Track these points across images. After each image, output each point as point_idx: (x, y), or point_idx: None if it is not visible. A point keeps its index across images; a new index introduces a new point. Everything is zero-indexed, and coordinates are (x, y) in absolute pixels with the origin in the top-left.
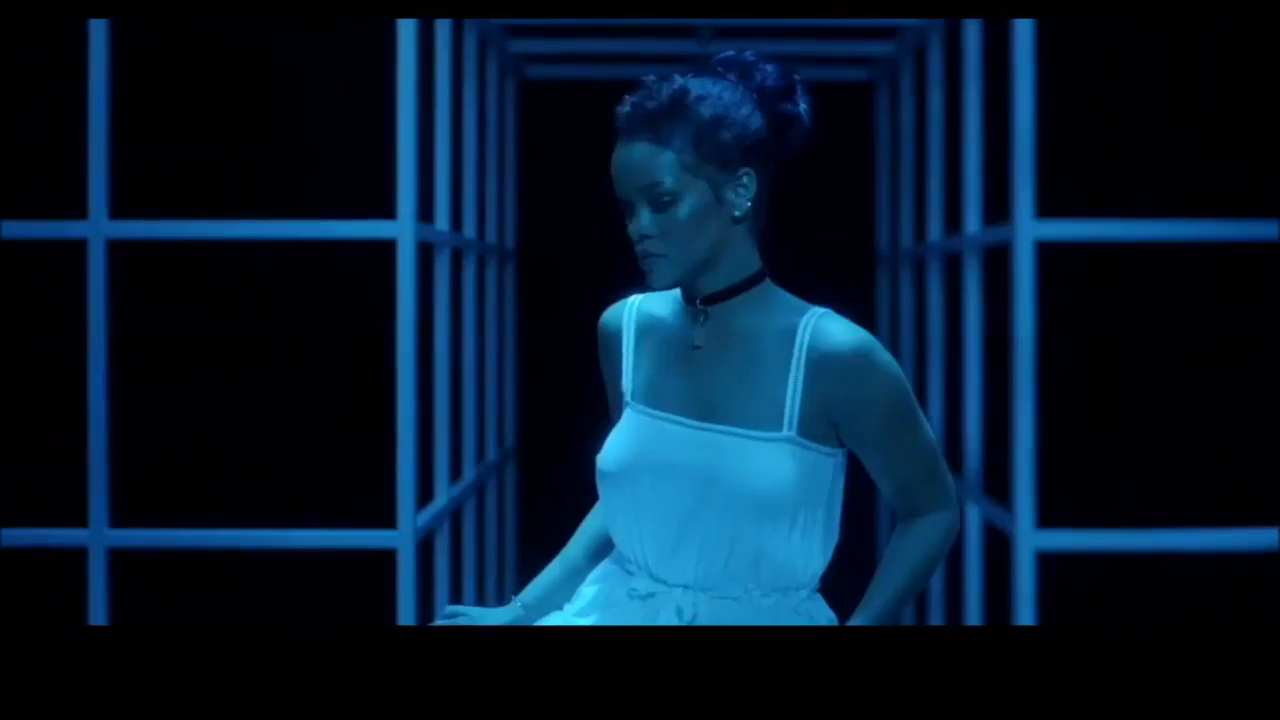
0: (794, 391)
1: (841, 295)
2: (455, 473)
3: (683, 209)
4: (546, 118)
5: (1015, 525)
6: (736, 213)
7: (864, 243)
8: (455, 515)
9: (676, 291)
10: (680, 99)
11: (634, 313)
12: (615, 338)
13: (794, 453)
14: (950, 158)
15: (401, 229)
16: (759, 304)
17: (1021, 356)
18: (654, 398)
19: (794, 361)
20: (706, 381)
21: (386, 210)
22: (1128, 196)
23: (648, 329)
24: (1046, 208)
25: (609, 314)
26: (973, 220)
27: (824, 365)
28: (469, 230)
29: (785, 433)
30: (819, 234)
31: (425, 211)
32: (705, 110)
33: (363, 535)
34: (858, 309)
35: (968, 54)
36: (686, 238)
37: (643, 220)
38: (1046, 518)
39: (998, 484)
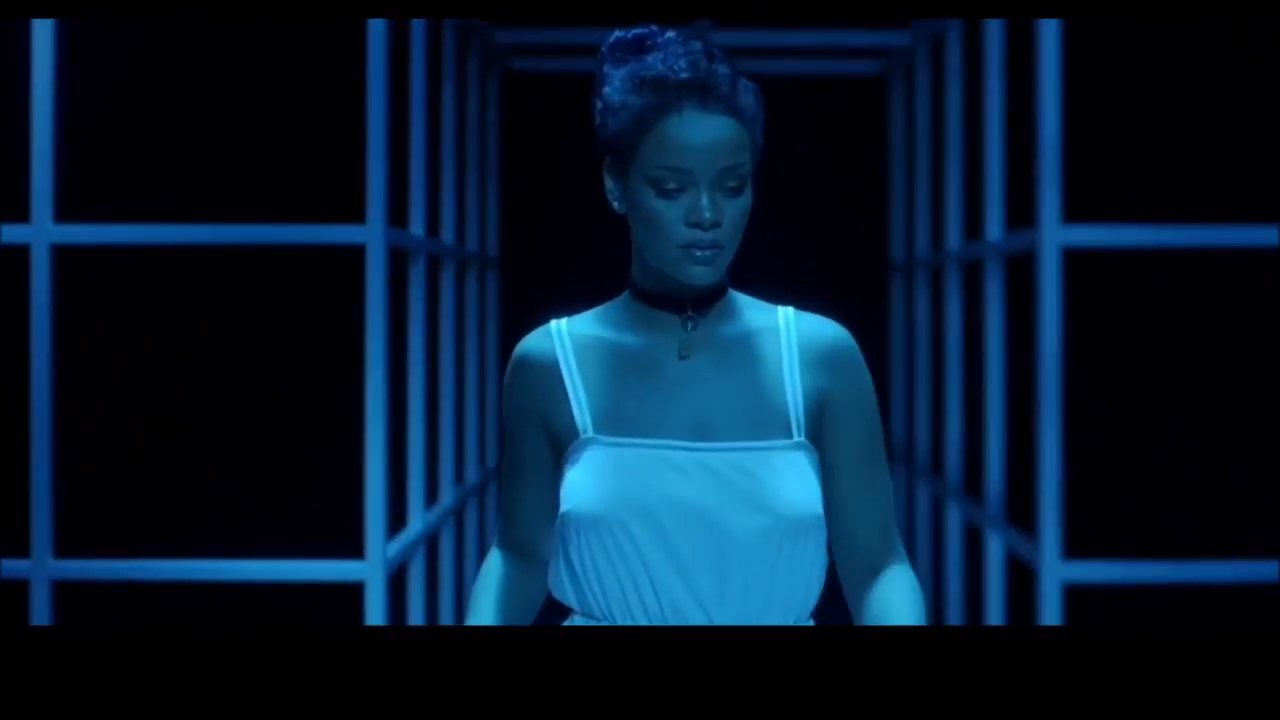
0: (794, 392)
1: (852, 306)
2: (431, 497)
3: (744, 199)
4: (532, 113)
5: (1040, 556)
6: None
7: (876, 249)
8: (431, 543)
9: (613, 306)
10: (735, 77)
11: (566, 337)
12: (548, 369)
13: (810, 459)
14: (970, 158)
15: (371, 233)
16: (731, 307)
17: (1046, 373)
18: (629, 426)
19: (786, 360)
20: (699, 397)
21: (356, 214)
22: (1159, 201)
23: (591, 353)
24: (1073, 212)
25: (531, 343)
26: (994, 225)
27: (818, 358)
28: (447, 235)
29: (797, 438)
30: (827, 240)
31: (398, 215)
32: (754, 89)
33: (327, 567)
34: (869, 321)
35: (989, 47)
36: (739, 231)
37: (714, 205)
38: (1074, 547)
39: (1021, 511)
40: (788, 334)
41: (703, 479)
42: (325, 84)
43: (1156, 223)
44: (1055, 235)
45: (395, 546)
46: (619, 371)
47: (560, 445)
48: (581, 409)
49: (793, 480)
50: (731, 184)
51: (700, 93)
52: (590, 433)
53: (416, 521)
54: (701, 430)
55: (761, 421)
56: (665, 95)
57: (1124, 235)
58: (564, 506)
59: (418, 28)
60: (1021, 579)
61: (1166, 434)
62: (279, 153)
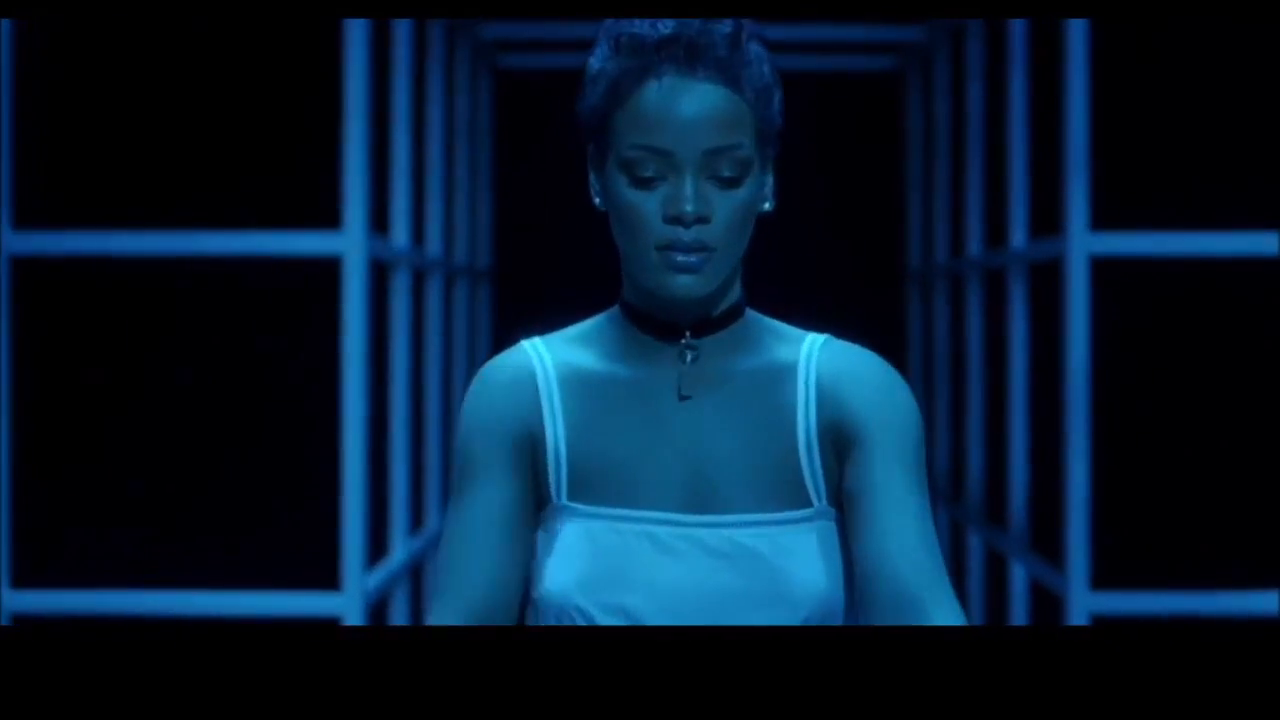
0: (809, 444)
1: (866, 318)
2: (416, 521)
3: (745, 190)
4: (527, 114)
5: (1067, 586)
6: (767, 205)
7: (892, 257)
8: (415, 573)
9: (600, 325)
10: (740, 37)
11: (549, 364)
12: (524, 404)
13: (832, 532)
14: (992, 159)
15: (349, 242)
16: (747, 336)
17: (1074, 390)
18: (612, 488)
19: (802, 404)
20: (699, 452)
21: (333, 221)
22: (1194, 206)
23: (575, 388)
24: (1102, 218)
25: (503, 368)
26: (1018, 232)
27: (835, 388)
28: (433, 246)
29: (819, 505)
30: (839, 247)
31: (379, 223)
32: (767, 57)
33: (300, 599)
34: (884, 334)
35: (1012, 41)
36: (741, 232)
37: (699, 196)
38: (1103, 576)
39: (1046, 538)
40: (807, 370)
41: (697, 561)
42: (302, 80)
43: (1191, 229)
44: (1083, 243)
45: (375, 577)
46: (606, 414)
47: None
48: (558, 463)
49: (813, 561)
50: (726, 172)
51: (686, 53)
52: (564, 498)
53: (399, 549)
54: (699, 496)
55: (773, 485)
56: (643, 57)
57: (1156, 243)
58: (533, 591)
59: (402, 21)
60: (1047, 609)
61: (1202, 455)
62: (251, 155)
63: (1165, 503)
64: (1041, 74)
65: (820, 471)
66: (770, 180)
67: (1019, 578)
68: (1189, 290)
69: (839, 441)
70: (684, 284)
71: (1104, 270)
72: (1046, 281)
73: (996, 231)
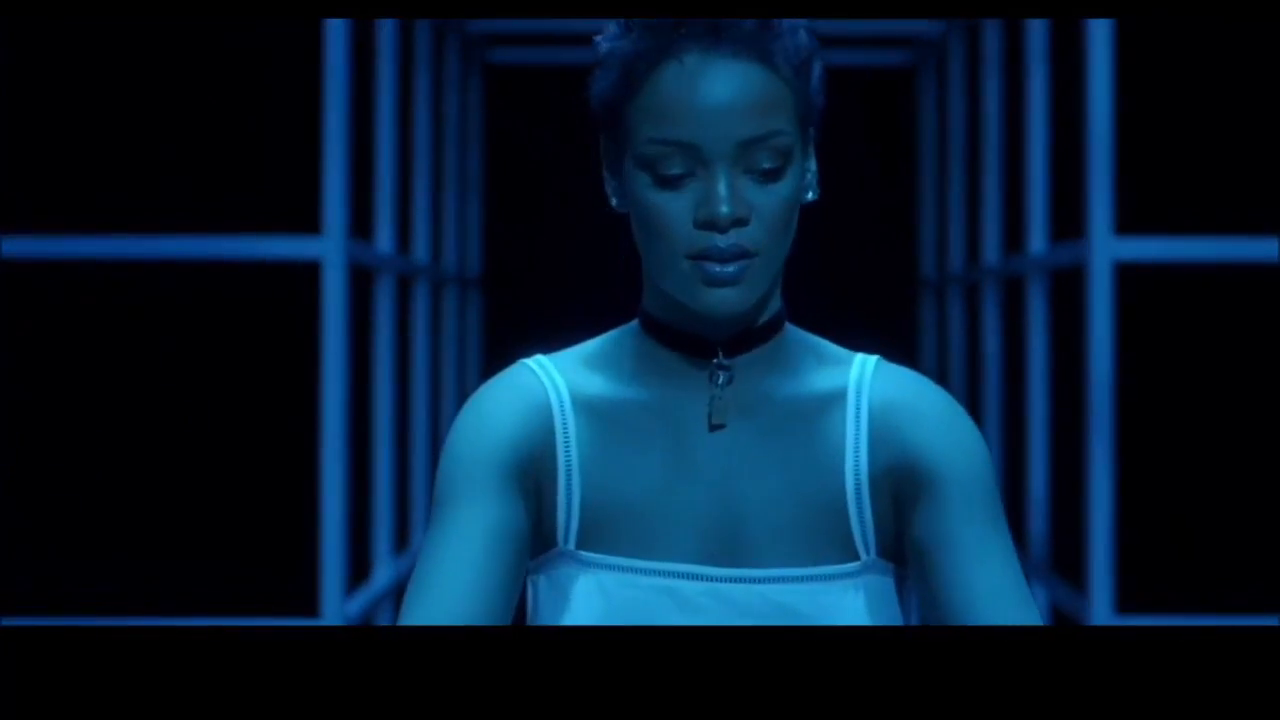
0: (858, 489)
1: (878, 328)
2: (400, 542)
3: (787, 183)
4: (517, 112)
5: (1089, 609)
6: (810, 195)
7: (905, 263)
8: (399, 597)
9: (617, 342)
10: (769, 15)
11: (563, 388)
12: (534, 431)
13: (889, 585)
14: (1010, 160)
15: (327, 247)
16: (786, 355)
17: (1097, 403)
18: (627, 534)
19: (851, 440)
20: (726, 491)
21: (312, 225)
22: (1223, 209)
23: (594, 417)
24: (1127, 223)
25: (509, 389)
26: (1037, 237)
27: (893, 424)
28: (420, 252)
29: (866, 558)
30: (849, 253)
31: (362, 227)
32: (804, 24)
33: (277, 624)
34: (897, 345)
35: (1031, 36)
36: (785, 232)
37: (735, 196)
38: (1129, 600)
39: (1067, 558)
40: (857, 400)
41: (724, 621)
42: (283, 81)
43: (1219, 234)
44: (1107, 248)
45: (357, 602)
46: (625, 446)
47: (534, 545)
48: (570, 504)
49: (860, 622)
50: (765, 164)
51: (709, 30)
52: (571, 544)
53: (383, 571)
54: (728, 545)
55: (815, 533)
56: (659, 36)
57: (1183, 248)
58: None
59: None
60: None
61: (1233, 471)
62: (232, 157)
63: (1193, 521)
64: (1062, 70)
65: (871, 519)
66: (813, 166)
67: (1039, 600)
68: (1217, 298)
69: (900, 487)
70: (722, 298)
71: (1129, 277)
72: (1068, 289)
73: (1015, 236)
